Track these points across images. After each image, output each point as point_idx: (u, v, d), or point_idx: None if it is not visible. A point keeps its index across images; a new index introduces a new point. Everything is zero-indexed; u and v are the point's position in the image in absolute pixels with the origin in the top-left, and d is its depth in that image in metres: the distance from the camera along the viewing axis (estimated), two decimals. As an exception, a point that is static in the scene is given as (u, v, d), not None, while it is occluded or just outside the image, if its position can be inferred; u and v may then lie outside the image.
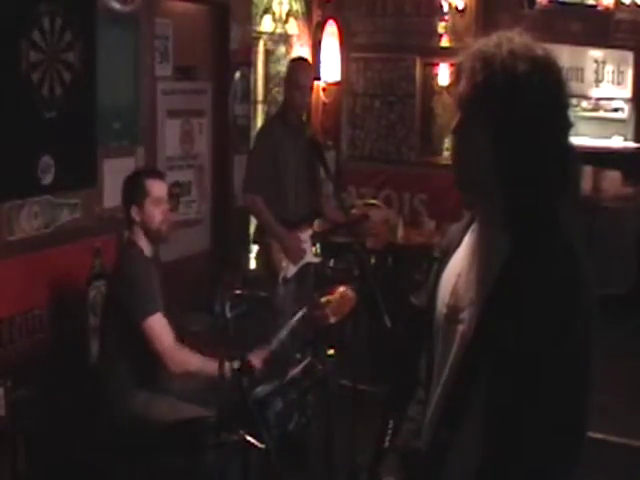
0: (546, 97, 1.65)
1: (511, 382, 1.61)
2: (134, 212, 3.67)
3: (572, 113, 1.70)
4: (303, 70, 5.14)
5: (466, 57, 1.69)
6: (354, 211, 5.54)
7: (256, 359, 3.41)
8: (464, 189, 1.76)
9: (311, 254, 5.09)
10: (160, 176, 3.83)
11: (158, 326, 3.51)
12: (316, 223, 5.19)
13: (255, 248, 5.39)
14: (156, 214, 3.68)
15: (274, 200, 4.89)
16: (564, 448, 1.64)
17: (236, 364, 3.14)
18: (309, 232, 5.07)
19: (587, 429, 1.68)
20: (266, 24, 6.71)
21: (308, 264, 5.08)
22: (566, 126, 1.69)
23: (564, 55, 7.58)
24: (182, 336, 3.87)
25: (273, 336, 3.65)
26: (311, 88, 5.28)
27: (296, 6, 7.12)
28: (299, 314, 3.66)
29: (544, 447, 1.62)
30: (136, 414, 3.50)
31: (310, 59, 7.07)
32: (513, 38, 1.68)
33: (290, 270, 4.92)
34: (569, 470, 1.67)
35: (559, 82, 1.69)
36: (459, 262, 1.80)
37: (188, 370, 3.57)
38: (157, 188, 3.71)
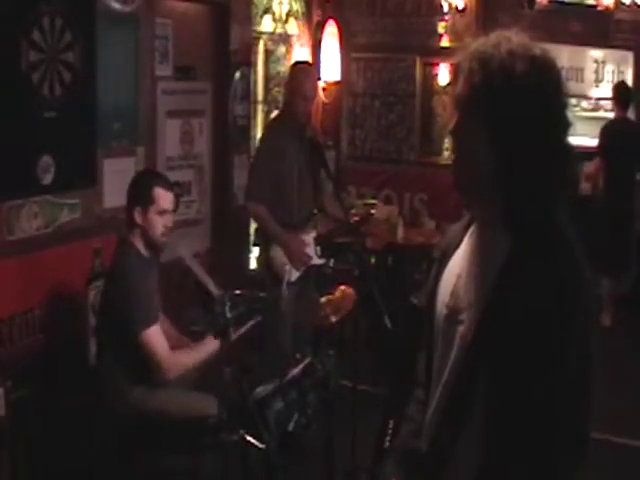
0: (544, 97, 1.65)
1: (511, 383, 1.61)
2: (137, 214, 3.63)
3: (571, 113, 1.70)
4: (309, 79, 5.01)
5: (464, 57, 1.69)
6: (353, 211, 5.48)
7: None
8: (463, 191, 1.75)
9: (315, 257, 5.03)
10: (169, 187, 3.74)
11: (154, 339, 3.50)
12: (319, 223, 5.09)
13: (256, 249, 5.36)
14: (159, 225, 3.63)
15: (278, 205, 4.83)
16: (566, 448, 1.64)
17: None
18: (313, 234, 5.00)
19: (589, 429, 1.68)
20: (266, 24, 6.71)
21: (311, 266, 5.02)
22: (564, 126, 1.69)
23: (564, 55, 7.58)
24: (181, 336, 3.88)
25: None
26: (315, 95, 5.18)
27: (296, 6, 7.12)
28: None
29: (545, 447, 1.62)
30: (136, 407, 3.50)
31: (310, 59, 7.08)
32: (511, 38, 1.68)
33: (294, 274, 4.87)
34: (573, 470, 1.67)
35: (557, 82, 1.69)
36: (459, 263, 1.79)
37: (186, 371, 3.59)
38: (164, 200, 3.65)
